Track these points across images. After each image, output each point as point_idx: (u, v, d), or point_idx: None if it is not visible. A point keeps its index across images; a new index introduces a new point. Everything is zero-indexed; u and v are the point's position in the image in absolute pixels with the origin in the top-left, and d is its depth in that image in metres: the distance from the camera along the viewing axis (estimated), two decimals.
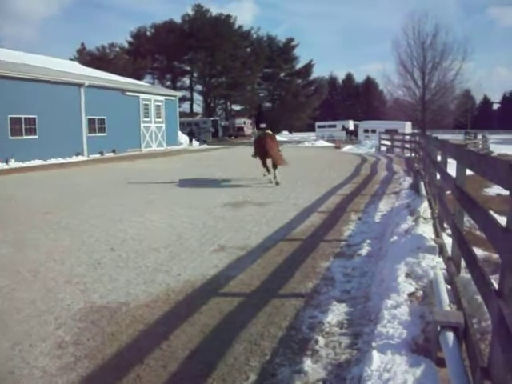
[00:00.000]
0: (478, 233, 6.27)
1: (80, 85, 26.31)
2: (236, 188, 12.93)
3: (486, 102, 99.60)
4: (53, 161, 23.04)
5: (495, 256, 5.05)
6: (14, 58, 25.44)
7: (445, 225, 6.57)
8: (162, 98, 35.47)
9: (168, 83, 76.68)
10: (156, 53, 75.41)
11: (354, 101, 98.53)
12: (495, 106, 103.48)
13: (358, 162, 21.74)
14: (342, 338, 3.85)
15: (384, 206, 9.83)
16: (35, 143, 22.99)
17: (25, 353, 3.75)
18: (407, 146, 24.74)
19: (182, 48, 73.81)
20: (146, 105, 33.00)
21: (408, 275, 4.41)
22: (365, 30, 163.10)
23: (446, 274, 4.33)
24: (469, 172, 4.36)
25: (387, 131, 36.63)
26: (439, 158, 7.54)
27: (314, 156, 27.44)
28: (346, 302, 4.67)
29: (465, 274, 4.46)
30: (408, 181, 12.52)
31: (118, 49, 73.37)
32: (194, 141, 43.02)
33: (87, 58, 63.88)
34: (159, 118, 34.79)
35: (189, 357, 3.66)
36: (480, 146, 37.11)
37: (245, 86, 79.97)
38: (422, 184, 9.39)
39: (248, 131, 53.20)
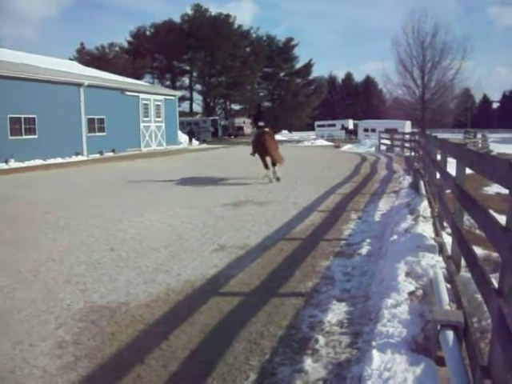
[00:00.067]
0: (477, 232, 6.27)
1: (79, 84, 26.27)
2: (235, 187, 12.93)
3: (486, 101, 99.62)
4: (52, 160, 22.99)
5: (495, 255, 5.06)
6: (13, 58, 25.39)
7: (444, 224, 6.57)
8: (162, 98, 35.43)
9: (167, 83, 76.74)
10: (155, 52, 75.43)
11: (353, 100, 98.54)
12: (495, 105, 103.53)
13: (357, 161, 21.73)
14: (342, 337, 3.85)
15: (384, 205, 9.84)
16: (35, 143, 22.95)
17: (25, 352, 3.75)
18: (407, 145, 24.73)
19: (181, 47, 73.82)
20: (146, 104, 32.96)
21: (408, 274, 4.41)
22: (364, 29, 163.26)
23: (446, 272, 4.33)
24: (468, 171, 4.36)
25: (387, 130, 36.64)
26: (439, 157, 7.54)
27: (314, 155, 27.43)
28: (346, 301, 4.67)
29: (465, 273, 4.46)
30: (408, 180, 12.52)
31: (117, 48, 73.44)
32: (193, 140, 43.01)
33: (87, 57, 63.87)
34: (159, 117, 34.76)
35: (189, 356, 3.66)
36: (479, 145, 37.12)
37: (244, 86, 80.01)
38: (421, 183, 9.39)
39: (248, 130, 53.21)
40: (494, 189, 13.23)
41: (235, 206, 10.06)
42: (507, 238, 2.35)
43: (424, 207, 7.32)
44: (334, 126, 60.22)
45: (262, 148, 14.07)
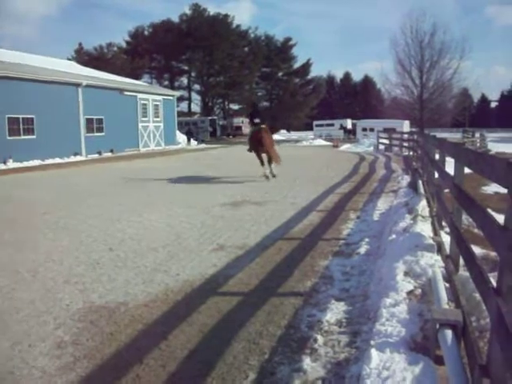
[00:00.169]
0: (476, 231, 6.28)
1: (78, 84, 26.25)
2: (234, 187, 12.93)
3: (484, 100, 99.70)
4: (51, 161, 22.98)
5: (493, 254, 5.06)
6: (11, 58, 25.37)
7: (443, 223, 6.57)
8: (160, 98, 35.41)
9: (166, 83, 76.57)
10: (154, 52, 75.30)
11: (351, 100, 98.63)
12: (493, 105, 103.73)
13: (356, 161, 21.76)
14: (341, 337, 3.86)
15: (382, 205, 9.85)
16: (33, 143, 22.92)
17: (24, 353, 3.75)
18: (405, 144, 24.78)
19: (179, 47, 73.71)
20: (144, 104, 32.94)
21: (406, 273, 4.42)
22: (363, 29, 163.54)
23: (445, 272, 4.34)
24: (467, 170, 4.37)
25: (385, 130, 36.69)
26: (437, 156, 7.55)
27: (312, 155, 27.45)
28: (344, 300, 4.68)
29: (463, 272, 4.46)
30: (406, 179, 12.54)
31: (115, 48, 73.24)
32: (192, 140, 42.99)
33: (85, 57, 63.73)
34: (157, 117, 34.74)
35: (188, 356, 3.66)
36: (478, 145, 37.12)
37: (243, 86, 79.91)
38: (420, 182, 9.40)
39: (246, 130, 53.16)
40: (493, 188, 13.22)
41: (234, 205, 10.07)
42: (505, 237, 2.35)
43: (422, 206, 7.33)
44: (332, 125, 60.21)
45: (259, 144, 14.14)
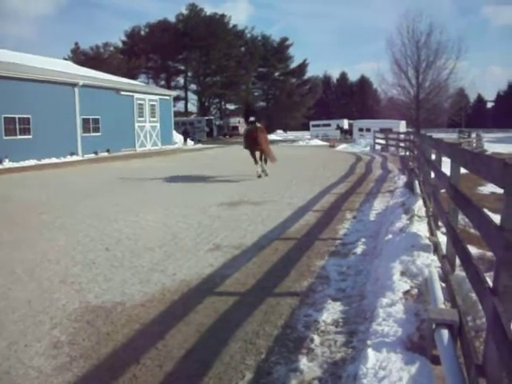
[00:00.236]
0: (472, 231, 6.29)
1: (74, 84, 26.19)
2: (230, 187, 12.94)
3: (480, 100, 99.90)
4: (47, 161, 22.91)
5: (489, 254, 5.08)
6: (7, 58, 25.29)
7: (439, 223, 6.59)
8: (157, 98, 35.37)
9: (162, 83, 76.50)
10: (150, 52, 75.19)
11: (348, 100, 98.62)
12: (489, 105, 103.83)
13: (352, 161, 21.77)
14: (338, 337, 3.86)
15: (379, 205, 9.87)
16: (29, 143, 22.86)
17: (20, 353, 3.74)
18: (402, 144, 24.81)
19: (176, 47, 73.66)
20: (141, 104, 32.89)
21: (403, 273, 4.43)
22: (359, 30, 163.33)
23: (441, 271, 4.35)
24: (463, 170, 4.38)
25: (382, 130, 36.75)
26: (433, 156, 7.56)
27: (309, 155, 27.47)
28: (341, 300, 4.68)
29: (459, 272, 4.47)
30: (402, 179, 12.56)
31: (112, 48, 72.99)
32: (188, 140, 42.94)
33: (81, 57, 63.54)
34: (154, 117, 34.69)
35: (185, 356, 3.66)
36: (474, 145, 37.23)
37: (239, 86, 79.91)
38: (416, 182, 9.42)
39: (242, 130, 53.23)
40: (489, 188, 13.27)
41: (230, 205, 10.07)
42: (502, 237, 2.36)
43: (419, 206, 7.34)
44: (328, 125, 60.26)
45: (254, 143, 14.30)
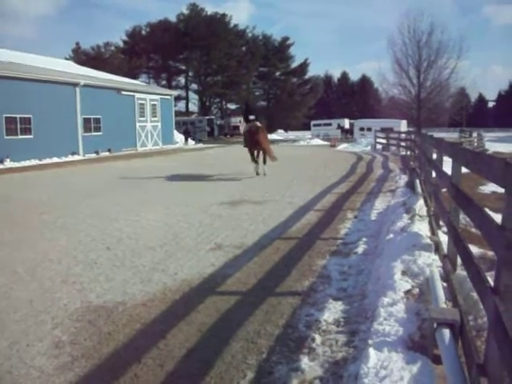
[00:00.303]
0: (473, 230, 6.29)
1: (75, 84, 26.21)
2: (231, 186, 12.94)
3: (482, 100, 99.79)
4: (48, 160, 22.92)
5: (491, 253, 5.08)
6: (8, 57, 25.31)
7: (440, 222, 6.59)
8: (158, 97, 35.37)
9: (163, 82, 76.56)
10: (151, 52, 75.25)
11: (349, 99, 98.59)
12: (490, 104, 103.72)
13: (353, 161, 21.78)
14: (339, 336, 3.86)
15: (380, 204, 9.86)
16: (31, 143, 22.87)
17: (22, 352, 3.74)
18: (403, 144, 24.79)
19: (177, 47, 73.69)
20: (142, 104, 32.90)
21: (404, 273, 4.43)
22: (360, 29, 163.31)
23: (442, 271, 4.35)
24: (464, 170, 4.38)
25: (383, 129, 36.73)
26: (435, 156, 7.56)
27: (310, 154, 27.47)
28: (342, 299, 4.68)
29: (461, 272, 4.47)
30: (404, 179, 12.56)
31: (113, 48, 73.09)
32: (189, 140, 42.97)
33: (82, 57, 63.59)
34: (155, 117, 34.70)
35: (186, 355, 3.66)
36: (475, 144, 37.17)
37: (240, 85, 79.88)
38: (417, 182, 9.42)
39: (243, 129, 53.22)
40: (490, 188, 13.24)
41: (231, 204, 10.07)
42: (503, 237, 2.36)
43: (420, 206, 7.34)
44: (329, 125, 60.20)
45: (254, 142, 14.39)
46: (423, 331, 3.28)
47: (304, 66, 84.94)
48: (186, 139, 42.28)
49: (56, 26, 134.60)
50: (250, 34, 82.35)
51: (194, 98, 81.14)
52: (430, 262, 4.50)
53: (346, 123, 60.36)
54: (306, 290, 4.99)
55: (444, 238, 5.58)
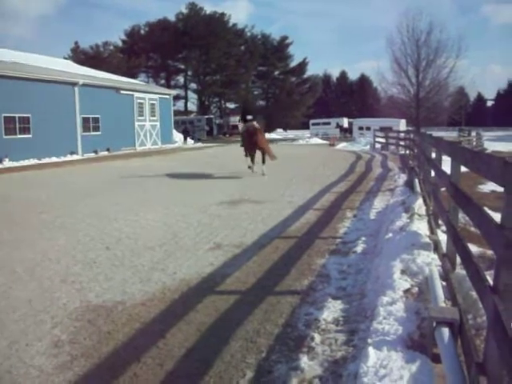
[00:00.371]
0: (472, 229, 6.29)
1: (74, 83, 26.18)
2: (230, 186, 12.94)
3: (480, 99, 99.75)
4: (47, 160, 22.90)
5: (490, 252, 5.08)
6: (7, 57, 25.29)
7: (439, 221, 6.59)
8: (157, 97, 35.35)
9: (162, 81, 76.42)
10: (150, 51, 75.08)
11: (348, 98, 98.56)
12: (489, 103, 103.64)
13: (352, 160, 21.78)
14: (338, 335, 3.86)
15: (379, 203, 9.87)
16: (29, 142, 22.85)
17: (21, 352, 3.74)
18: (402, 143, 24.82)
19: (176, 46, 73.58)
20: (141, 103, 32.87)
21: (403, 272, 4.43)
22: (359, 28, 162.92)
23: (441, 270, 4.35)
24: (463, 169, 4.38)
25: (382, 128, 36.70)
26: (434, 155, 7.56)
27: (309, 153, 27.47)
28: (341, 298, 4.69)
29: (460, 270, 4.47)
30: (403, 178, 12.57)
31: (112, 47, 72.85)
32: (188, 139, 42.94)
33: (81, 56, 63.45)
34: (154, 116, 34.68)
35: (185, 355, 3.66)
36: (474, 143, 37.17)
37: (239, 84, 79.78)
38: (416, 181, 9.42)
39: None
40: (489, 187, 13.24)
41: (230, 204, 10.07)
42: (502, 236, 2.36)
43: (419, 205, 7.34)
44: (328, 124, 60.15)
45: (253, 143, 14.42)
46: (422, 330, 3.28)
47: (303, 65, 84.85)
48: (185, 138, 42.25)
49: (55, 26, 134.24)
50: (248, 34, 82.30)
51: (192, 97, 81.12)
52: (429, 261, 4.50)
53: (345, 122, 60.27)
54: (305, 289, 4.99)
55: (443, 237, 5.58)
